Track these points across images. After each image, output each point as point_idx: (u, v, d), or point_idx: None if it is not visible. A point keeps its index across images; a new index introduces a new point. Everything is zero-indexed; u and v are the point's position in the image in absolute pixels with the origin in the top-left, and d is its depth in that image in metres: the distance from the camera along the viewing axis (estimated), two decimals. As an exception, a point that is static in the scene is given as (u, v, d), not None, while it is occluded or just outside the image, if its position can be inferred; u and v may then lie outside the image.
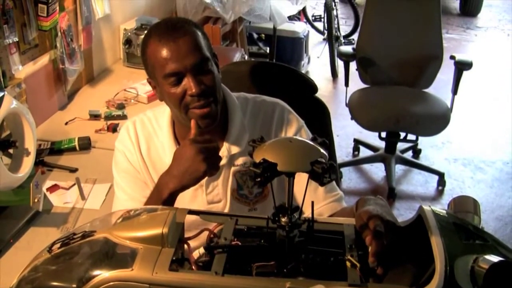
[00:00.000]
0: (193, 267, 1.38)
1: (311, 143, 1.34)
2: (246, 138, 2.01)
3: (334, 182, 2.10)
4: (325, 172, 1.24)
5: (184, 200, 1.89)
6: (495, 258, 1.27)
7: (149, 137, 2.05)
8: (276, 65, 2.88)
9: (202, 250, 1.47)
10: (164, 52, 1.81)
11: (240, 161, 2.03)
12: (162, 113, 2.05)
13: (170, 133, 2.02)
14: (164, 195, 1.78)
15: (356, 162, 5.26)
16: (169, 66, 1.81)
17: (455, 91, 4.62)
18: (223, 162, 1.93)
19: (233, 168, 2.03)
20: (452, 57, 4.66)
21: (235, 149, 2.01)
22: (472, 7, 10.54)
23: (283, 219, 1.35)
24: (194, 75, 1.81)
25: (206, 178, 1.89)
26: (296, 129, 2.07)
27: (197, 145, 1.75)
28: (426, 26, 4.76)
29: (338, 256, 1.39)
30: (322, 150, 1.31)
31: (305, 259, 1.37)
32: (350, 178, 5.02)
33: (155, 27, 1.89)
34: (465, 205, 1.57)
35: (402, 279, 1.43)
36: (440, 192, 4.87)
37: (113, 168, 2.10)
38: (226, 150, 1.99)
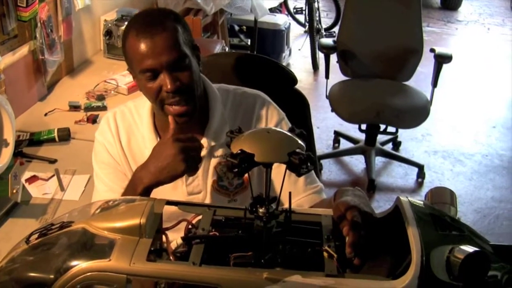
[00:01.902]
0: (171, 257, 1.38)
1: (288, 134, 1.34)
2: (226, 130, 1.99)
3: (314, 174, 2.11)
4: (303, 163, 1.24)
5: (164, 191, 1.89)
6: (470, 249, 1.28)
7: (129, 128, 2.05)
8: (256, 57, 2.88)
9: (180, 240, 1.47)
10: (141, 48, 1.80)
11: (220, 152, 2.03)
12: (143, 104, 2.05)
13: (150, 125, 2.02)
14: (138, 189, 1.78)
15: (336, 154, 5.27)
16: (145, 62, 1.80)
17: (435, 84, 4.65)
18: (203, 153, 1.93)
19: (213, 160, 2.03)
20: (432, 50, 4.68)
21: (215, 141, 2.01)
22: (453, 1, 10.59)
23: (260, 210, 1.35)
24: (169, 72, 1.81)
25: None
26: (277, 121, 2.07)
27: (179, 143, 1.75)
28: (406, 19, 4.77)
29: (316, 247, 1.39)
30: (299, 141, 1.31)
31: (282, 250, 1.37)
32: (330, 170, 5.04)
33: (134, 20, 1.88)
34: (442, 196, 1.58)
35: (380, 270, 1.44)
36: (419, 184, 4.90)
37: (93, 159, 2.09)
38: (206, 141, 1.98)
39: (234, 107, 2.07)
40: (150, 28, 1.80)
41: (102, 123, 2.10)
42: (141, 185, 1.78)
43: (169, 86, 1.80)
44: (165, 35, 1.80)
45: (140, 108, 2.06)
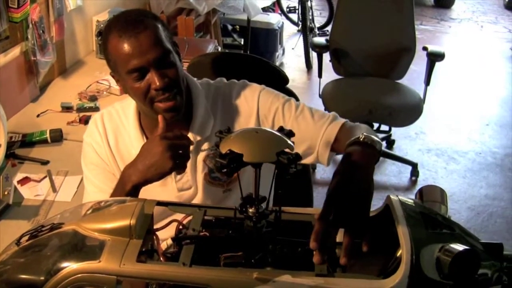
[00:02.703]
0: (161, 258, 1.38)
1: (277, 133, 1.34)
2: (211, 123, 2.03)
3: (319, 110, 2.11)
4: (291, 162, 1.25)
5: (154, 188, 1.89)
6: (460, 247, 1.28)
7: (116, 129, 2.06)
8: (248, 57, 2.88)
9: (170, 241, 1.47)
10: (126, 48, 1.79)
11: (206, 145, 2.04)
12: (129, 105, 2.06)
13: (136, 125, 2.02)
14: (127, 187, 1.77)
15: (330, 154, 5.25)
16: (131, 62, 1.80)
17: (427, 82, 4.66)
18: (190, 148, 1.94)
19: (201, 153, 2.04)
20: (424, 48, 4.69)
21: (201, 135, 2.02)
22: (446, -1, 10.65)
23: (250, 210, 1.35)
24: (157, 69, 1.81)
25: None
26: (258, 95, 2.07)
27: (167, 141, 1.74)
28: (398, 17, 4.78)
29: (306, 247, 1.39)
30: (288, 141, 1.32)
31: (272, 250, 1.37)
32: (324, 169, 5.01)
33: (114, 22, 1.87)
34: (432, 195, 1.59)
35: (370, 269, 1.44)
36: (413, 182, 4.90)
37: (82, 162, 2.10)
38: (192, 136, 1.98)
39: (215, 99, 2.08)
40: (133, 28, 1.80)
41: (89, 125, 2.11)
42: (129, 183, 1.77)
43: (158, 83, 1.80)
44: (148, 33, 1.80)
45: (126, 109, 2.07)
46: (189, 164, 1.99)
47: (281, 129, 1.38)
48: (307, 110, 2.06)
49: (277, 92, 2.10)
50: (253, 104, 2.05)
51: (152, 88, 1.82)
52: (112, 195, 1.85)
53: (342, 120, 2.05)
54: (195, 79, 2.09)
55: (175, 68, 1.86)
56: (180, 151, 1.77)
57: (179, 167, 1.78)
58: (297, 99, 2.51)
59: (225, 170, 1.25)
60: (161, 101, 1.85)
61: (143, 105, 1.91)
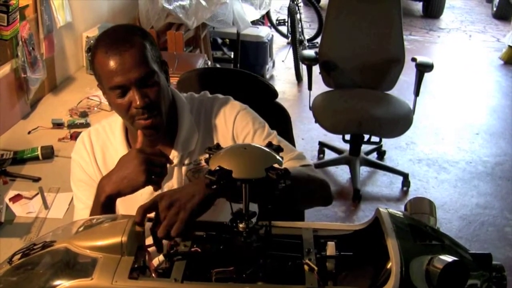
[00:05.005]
0: (153, 274, 1.39)
1: (266, 149, 1.35)
2: (195, 137, 2.03)
3: (289, 146, 2.10)
4: (280, 178, 1.26)
5: (143, 201, 1.90)
6: (449, 258, 1.29)
7: (104, 145, 2.06)
8: (237, 71, 2.89)
9: (162, 257, 1.48)
10: (110, 65, 1.80)
11: (188, 160, 2.04)
12: (115, 120, 2.06)
13: (123, 139, 2.03)
14: (101, 198, 1.77)
15: (321, 165, 5.25)
16: (114, 79, 1.80)
17: (417, 92, 4.67)
18: (175, 162, 1.94)
19: (184, 168, 2.03)
20: (413, 59, 4.70)
21: (185, 149, 2.02)
22: (434, 9, 10.69)
23: (240, 225, 1.36)
24: (138, 89, 1.81)
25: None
26: (235, 114, 2.06)
27: (143, 155, 1.74)
28: (387, 29, 4.79)
29: (296, 260, 1.40)
30: (277, 156, 1.33)
31: (263, 264, 1.38)
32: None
33: (103, 37, 1.88)
34: (421, 207, 1.60)
35: (361, 281, 1.45)
36: (404, 192, 4.90)
37: (70, 180, 2.10)
38: (176, 152, 2.00)
39: (198, 112, 2.09)
40: (118, 45, 1.80)
41: (77, 143, 2.11)
42: (103, 194, 1.77)
43: (138, 103, 1.81)
44: (133, 52, 1.80)
45: (112, 125, 2.08)
46: (175, 178, 2.00)
47: (269, 145, 1.40)
48: (275, 141, 2.05)
49: (255, 116, 2.10)
50: (230, 123, 2.05)
51: (133, 106, 1.83)
52: (92, 207, 1.84)
53: (304, 162, 2.05)
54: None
55: (158, 88, 1.86)
56: (156, 168, 1.77)
57: (152, 183, 1.77)
58: (286, 113, 2.53)
59: (215, 186, 1.26)
60: (141, 119, 1.86)
61: (125, 121, 1.92)
